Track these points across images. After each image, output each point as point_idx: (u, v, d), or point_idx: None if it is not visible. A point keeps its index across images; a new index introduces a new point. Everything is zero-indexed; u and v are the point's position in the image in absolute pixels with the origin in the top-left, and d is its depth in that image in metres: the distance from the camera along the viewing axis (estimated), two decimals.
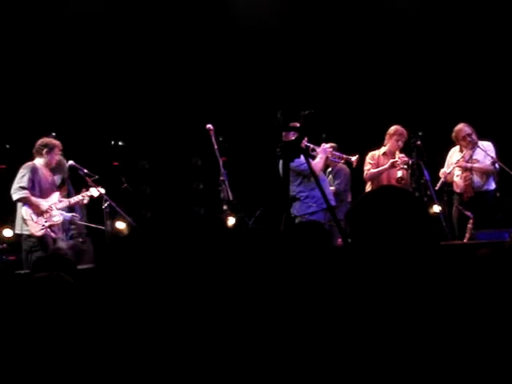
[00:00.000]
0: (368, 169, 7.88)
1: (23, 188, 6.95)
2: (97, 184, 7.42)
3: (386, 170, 7.77)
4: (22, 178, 6.99)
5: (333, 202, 7.05)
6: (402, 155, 7.80)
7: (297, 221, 6.95)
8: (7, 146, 9.44)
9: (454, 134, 7.90)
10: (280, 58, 9.67)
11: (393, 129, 7.88)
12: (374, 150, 8.02)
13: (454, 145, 8.00)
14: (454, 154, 7.97)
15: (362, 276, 1.73)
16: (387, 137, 7.90)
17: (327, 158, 7.54)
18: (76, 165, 7.42)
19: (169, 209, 9.37)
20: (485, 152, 7.76)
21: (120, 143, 10.15)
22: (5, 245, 7.96)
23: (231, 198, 7.20)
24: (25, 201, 6.99)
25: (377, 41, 9.73)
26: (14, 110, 9.21)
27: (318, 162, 7.25)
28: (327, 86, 9.71)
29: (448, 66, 9.59)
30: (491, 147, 7.83)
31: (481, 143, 7.81)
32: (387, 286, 1.67)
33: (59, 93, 9.45)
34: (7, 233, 8.02)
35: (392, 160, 7.76)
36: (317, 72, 9.72)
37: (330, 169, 8.18)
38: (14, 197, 7.00)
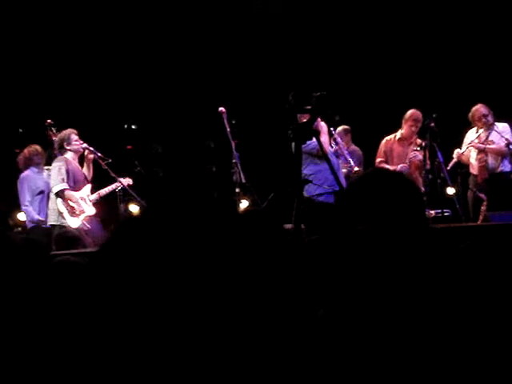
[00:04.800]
0: (380, 161, 7.92)
1: (64, 180, 7.02)
2: (110, 167, 7.43)
3: None
4: (59, 170, 7.05)
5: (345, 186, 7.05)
6: (417, 146, 7.78)
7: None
8: (20, 131, 9.48)
9: (470, 115, 7.86)
10: (292, 40, 9.61)
11: (408, 113, 7.86)
12: (391, 133, 8.01)
13: (471, 126, 7.96)
14: (470, 135, 7.93)
15: (355, 261, 1.72)
16: (403, 121, 7.89)
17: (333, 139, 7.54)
18: (90, 148, 7.43)
19: (182, 192, 9.38)
20: (499, 134, 7.71)
21: (133, 127, 10.16)
22: (20, 228, 8.03)
23: (244, 181, 7.19)
24: (63, 195, 7.04)
25: (391, 21, 9.65)
26: (27, 94, 9.23)
27: (324, 140, 7.21)
28: (341, 68, 9.65)
29: (464, 47, 9.49)
30: (507, 129, 7.78)
31: (497, 124, 7.77)
32: (380, 271, 1.66)
33: (73, 77, 9.46)
34: (22, 216, 8.08)
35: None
36: (330, 53, 9.66)
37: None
38: (55, 189, 7.07)
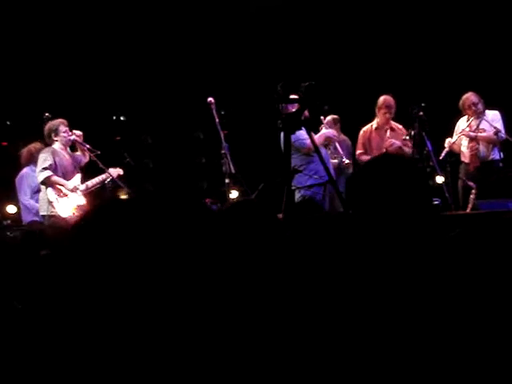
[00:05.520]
0: (359, 153, 7.93)
1: (46, 169, 6.99)
2: (99, 159, 7.41)
3: None
4: (44, 161, 7.04)
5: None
6: (406, 135, 7.79)
7: (297, 192, 6.95)
8: (8, 123, 9.42)
9: (460, 103, 7.88)
10: (280, 30, 9.59)
11: (380, 101, 7.88)
12: (367, 124, 8.02)
13: (461, 115, 7.98)
14: (462, 124, 7.95)
15: (360, 245, 1.72)
16: (376, 110, 7.92)
17: (327, 138, 7.55)
18: (78, 140, 7.40)
19: (171, 183, 9.37)
20: (488, 122, 7.73)
21: (122, 118, 10.12)
22: (9, 221, 8.00)
23: (233, 171, 7.18)
24: (49, 181, 7.01)
25: (378, 9, 9.63)
26: (15, 86, 9.17)
27: (317, 138, 7.24)
28: (329, 57, 9.64)
29: (453, 35, 9.48)
30: (498, 116, 7.80)
31: (487, 112, 7.78)
32: (384, 256, 1.66)
33: (60, 68, 9.41)
34: (11, 209, 8.06)
35: None
36: (318, 42, 9.64)
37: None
38: (40, 178, 7.07)
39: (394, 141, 7.77)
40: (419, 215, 1.83)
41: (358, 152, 8.00)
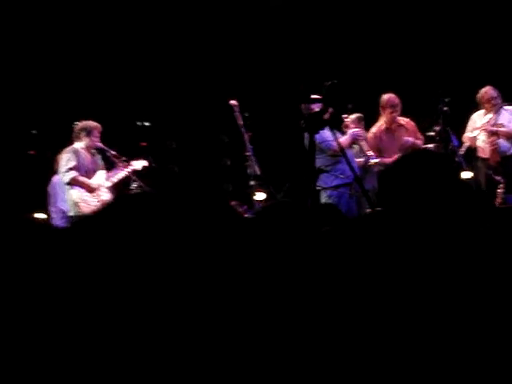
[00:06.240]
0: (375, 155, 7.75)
1: (71, 169, 7.07)
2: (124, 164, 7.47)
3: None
4: (67, 161, 7.12)
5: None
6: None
7: (323, 193, 6.95)
8: (33, 132, 9.51)
9: (478, 96, 7.82)
10: (302, 29, 9.58)
11: (384, 100, 7.78)
12: (374, 124, 7.94)
13: (476, 109, 7.91)
14: (478, 119, 7.88)
15: (391, 243, 1.72)
16: (381, 109, 7.83)
17: (355, 138, 7.52)
18: (103, 147, 7.47)
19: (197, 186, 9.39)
20: (510, 116, 7.68)
21: (146, 124, 10.16)
22: None
23: (258, 173, 7.19)
24: (75, 182, 7.10)
25: (402, 5, 9.59)
26: (40, 94, 9.26)
27: (344, 140, 7.23)
28: (351, 55, 9.61)
29: (475, 31, 9.41)
30: None
31: (505, 107, 7.73)
32: (414, 253, 1.66)
33: (84, 76, 9.49)
34: (40, 217, 8.14)
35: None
36: (339, 41, 9.62)
37: None
38: (65, 179, 7.15)
39: (407, 138, 7.70)
40: (453, 211, 1.83)
41: (372, 154, 7.86)
